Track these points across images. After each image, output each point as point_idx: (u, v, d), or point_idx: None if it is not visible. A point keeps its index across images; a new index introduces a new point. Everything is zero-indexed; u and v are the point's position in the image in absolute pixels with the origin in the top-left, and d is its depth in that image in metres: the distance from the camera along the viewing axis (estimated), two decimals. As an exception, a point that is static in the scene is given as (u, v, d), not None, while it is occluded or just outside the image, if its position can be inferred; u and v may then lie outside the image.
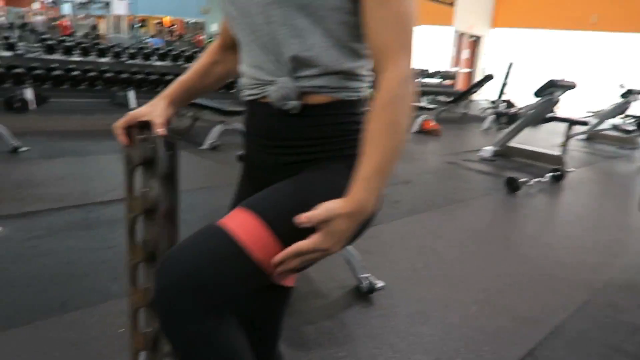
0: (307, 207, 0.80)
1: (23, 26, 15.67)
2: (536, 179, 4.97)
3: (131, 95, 7.75)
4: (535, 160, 6.00)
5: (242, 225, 0.81)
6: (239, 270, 0.81)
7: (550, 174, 5.24)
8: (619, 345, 2.19)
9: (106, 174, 4.06)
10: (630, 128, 7.65)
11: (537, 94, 5.21)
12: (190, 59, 8.83)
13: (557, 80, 5.01)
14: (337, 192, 0.83)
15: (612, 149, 8.18)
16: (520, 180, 4.67)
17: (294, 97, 0.88)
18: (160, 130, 0.97)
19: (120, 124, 1.01)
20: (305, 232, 0.80)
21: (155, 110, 1.01)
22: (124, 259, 2.43)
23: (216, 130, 5.28)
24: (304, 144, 0.92)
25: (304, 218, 0.78)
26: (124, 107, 7.69)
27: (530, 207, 4.47)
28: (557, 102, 5.16)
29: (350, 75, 0.90)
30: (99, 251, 2.55)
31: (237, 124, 5.47)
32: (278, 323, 1.13)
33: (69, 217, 3.01)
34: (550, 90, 5.03)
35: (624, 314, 2.51)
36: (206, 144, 5.20)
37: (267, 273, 0.83)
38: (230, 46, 1.10)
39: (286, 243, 0.81)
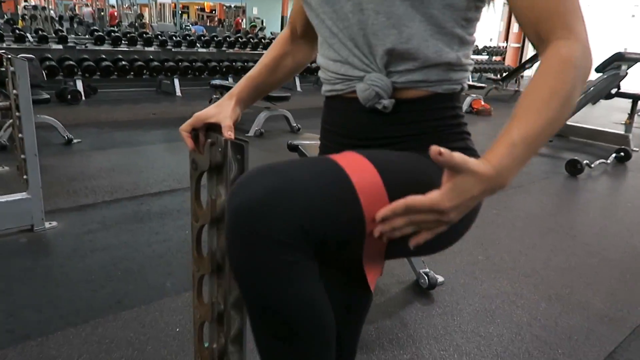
0: (425, 183, 0.67)
1: (72, 18, 16.14)
2: (599, 161, 4.65)
3: (176, 83, 7.82)
4: (596, 140, 5.65)
5: (359, 169, 0.68)
6: (342, 211, 0.66)
7: (614, 154, 4.90)
8: None
9: (155, 164, 4.08)
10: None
11: (600, 69, 4.85)
12: (233, 44, 8.80)
13: (625, 53, 4.63)
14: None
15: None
16: (582, 162, 4.38)
17: (386, 95, 0.76)
18: (229, 133, 0.88)
19: (186, 126, 0.93)
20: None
21: (223, 111, 0.92)
22: (177, 253, 2.44)
23: (261, 116, 5.22)
24: (397, 142, 0.81)
25: (441, 151, 0.60)
26: (170, 95, 7.79)
27: (594, 191, 4.19)
28: (624, 76, 4.79)
29: (453, 66, 0.78)
30: (152, 245, 2.54)
31: (283, 110, 5.39)
32: (357, 337, 1.04)
33: (122, 209, 3.03)
34: (617, 64, 4.67)
35: None
36: (252, 131, 5.15)
37: (366, 233, 0.69)
38: (300, 36, 0.99)
39: (391, 198, 0.68)
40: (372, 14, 0.73)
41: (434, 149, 0.60)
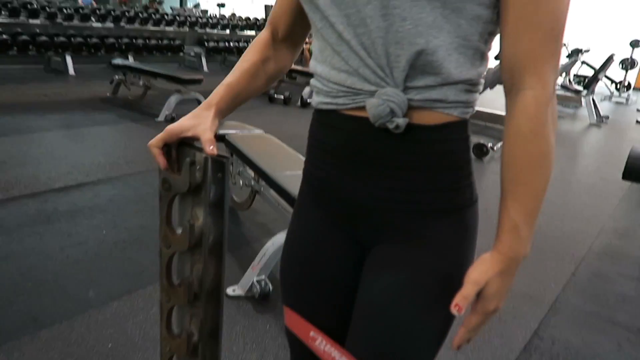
0: (447, 324, 0.77)
1: None
2: (500, 143, 5.01)
3: (69, 60, 7.11)
4: (496, 123, 6.06)
5: None
6: None
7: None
8: (614, 317, 2.22)
9: (55, 154, 3.67)
10: (577, 87, 7.87)
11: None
12: (132, 20, 8.16)
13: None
14: (462, 272, 0.71)
15: (559, 108, 8.44)
16: (487, 145, 4.68)
17: (401, 114, 0.68)
18: (211, 148, 0.75)
19: (156, 142, 0.78)
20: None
21: (201, 124, 0.79)
22: (96, 258, 2.21)
23: (172, 100, 4.91)
24: (404, 178, 0.73)
25: (459, 308, 0.68)
26: (62, 74, 7.07)
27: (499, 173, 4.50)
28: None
29: (470, 85, 0.72)
30: (65, 249, 2.28)
31: (195, 92, 5.12)
32: None
33: (22, 209, 2.68)
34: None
35: (611, 284, 2.56)
36: (162, 116, 4.84)
37: None
38: (282, 39, 0.88)
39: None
40: (397, 20, 0.65)
41: (454, 310, 0.68)
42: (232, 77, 0.86)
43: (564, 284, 2.48)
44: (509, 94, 0.70)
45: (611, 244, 3.08)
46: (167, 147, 0.79)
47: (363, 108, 0.71)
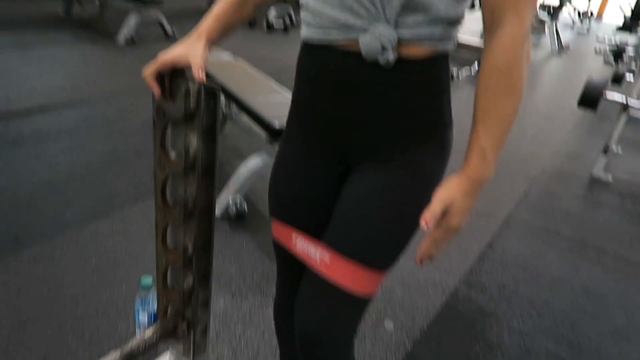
0: (412, 232, 0.84)
1: None
2: (464, 69, 5.10)
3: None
4: (460, 50, 6.11)
5: (358, 281, 0.84)
6: (362, 310, 0.91)
7: (477, 63, 5.38)
8: (558, 230, 2.45)
9: (12, 76, 3.51)
10: (543, 18, 7.91)
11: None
12: None
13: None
14: (432, 188, 0.79)
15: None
16: (452, 73, 4.76)
17: (391, 49, 0.73)
18: (200, 73, 0.79)
19: (151, 70, 0.82)
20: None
21: (192, 52, 0.82)
22: (70, 180, 2.23)
23: (131, 21, 4.68)
24: (393, 104, 0.79)
25: (426, 222, 0.74)
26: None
27: (461, 99, 4.62)
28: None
29: (455, 22, 0.77)
30: (37, 172, 2.28)
31: (157, 14, 4.89)
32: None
33: (-15, 133, 2.62)
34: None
35: (558, 201, 2.79)
36: (121, 38, 4.63)
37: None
38: None
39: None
40: None
41: (423, 226, 0.74)
42: (219, 8, 0.88)
43: (517, 202, 2.68)
44: (488, 30, 0.75)
45: (562, 166, 3.30)
46: (159, 76, 0.83)
47: (354, 42, 0.75)
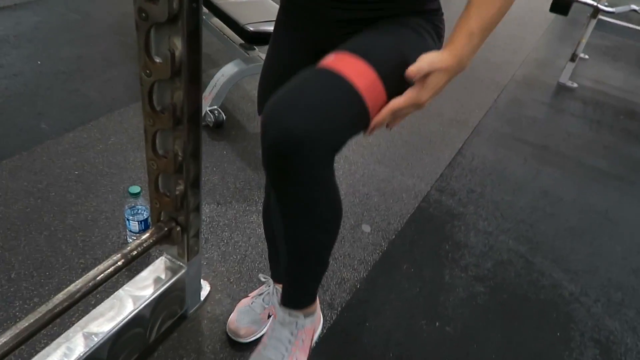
0: (407, 63, 0.76)
1: None
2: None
3: None
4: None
5: (361, 75, 0.74)
6: (357, 120, 0.77)
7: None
8: (524, 136, 2.58)
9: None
10: None
11: None
12: None
13: None
14: (427, 47, 0.79)
15: None
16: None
17: None
18: None
19: None
20: (403, 87, 0.77)
21: None
22: (38, 89, 2.15)
23: None
24: None
25: (412, 72, 0.73)
26: None
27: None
28: None
29: None
30: (3, 83, 2.19)
31: None
32: None
33: (-63, 37, 2.45)
34: None
35: (525, 109, 2.89)
36: None
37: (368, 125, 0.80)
38: None
39: (389, 97, 0.77)
40: None
41: (408, 73, 0.73)
42: None
43: (487, 110, 2.77)
44: None
45: (531, 73, 3.37)
46: None
47: None
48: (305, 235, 0.90)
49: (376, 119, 0.77)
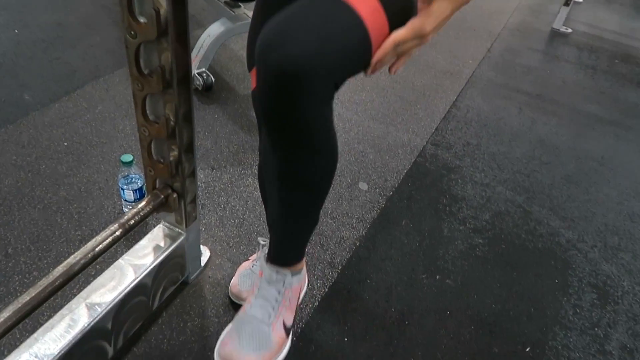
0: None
1: None
2: None
3: None
4: None
5: (365, 4, 0.69)
6: (360, 50, 0.72)
7: None
8: (518, 86, 2.54)
9: None
10: None
11: None
12: None
13: None
14: None
15: None
16: None
17: None
18: None
19: None
20: (405, 18, 0.72)
21: None
22: (18, 59, 2.08)
23: None
24: None
25: None
26: None
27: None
28: None
29: None
30: (-21, 54, 2.12)
31: None
32: None
33: None
34: None
35: (520, 57, 2.83)
36: None
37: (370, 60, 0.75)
38: None
39: (391, 28, 0.72)
40: None
41: None
42: None
43: (480, 60, 2.72)
44: None
45: (524, 21, 3.30)
46: None
47: None
48: (299, 185, 0.88)
49: (378, 54, 0.73)
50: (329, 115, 0.77)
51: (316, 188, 0.91)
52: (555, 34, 3.15)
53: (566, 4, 3.10)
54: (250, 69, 0.99)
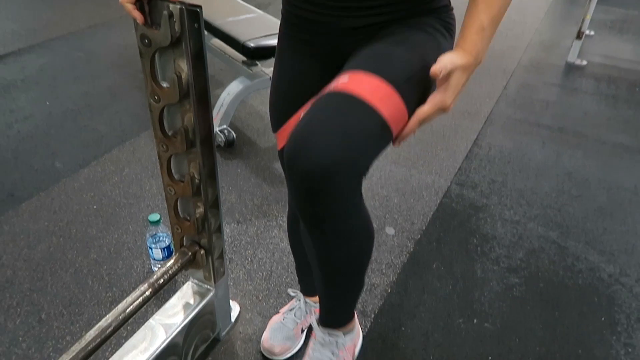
0: (423, 69, 0.75)
1: None
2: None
3: None
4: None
5: (378, 94, 0.73)
6: (381, 140, 0.76)
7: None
8: (539, 120, 2.52)
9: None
10: None
11: None
12: None
13: None
14: (440, 48, 0.78)
15: None
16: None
17: None
18: None
19: None
20: (422, 95, 0.76)
21: None
22: (50, 130, 2.17)
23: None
24: (383, 2, 0.79)
25: (436, 69, 0.72)
26: None
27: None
28: None
29: None
30: (14, 125, 2.22)
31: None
32: None
33: (-53, 90, 2.50)
34: None
35: (537, 92, 2.83)
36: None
37: (390, 140, 0.80)
38: None
39: (410, 110, 0.76)
40: None
41: (434, 72, 0.71)
42: None
43: (497, 98, 2.73)
44: None
45: (537, 57, 3.32)
46: (138, 2, 0.79)
47: None
48: (342, 262, 0.89)
49: (405, 131, 0.77)
50: (360, 200, 0.80)
51: (356, 264, 0.92)
52: (571, 67, 3.15)
53: (579, 37, 3.12)
54: (274, 130, 1.02)
